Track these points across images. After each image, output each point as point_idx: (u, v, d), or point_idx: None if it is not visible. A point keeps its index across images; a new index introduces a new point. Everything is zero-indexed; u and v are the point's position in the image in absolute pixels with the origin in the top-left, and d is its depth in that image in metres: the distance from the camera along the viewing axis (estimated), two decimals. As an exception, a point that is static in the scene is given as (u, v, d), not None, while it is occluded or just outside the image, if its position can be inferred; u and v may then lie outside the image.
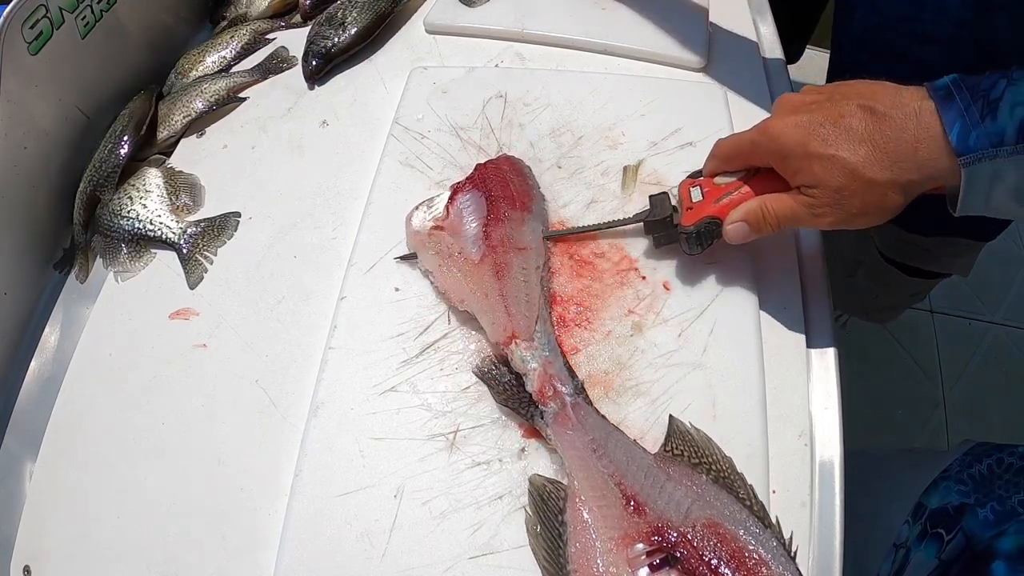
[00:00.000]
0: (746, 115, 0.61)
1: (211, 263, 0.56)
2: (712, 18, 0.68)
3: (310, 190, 0.59)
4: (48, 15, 0.57)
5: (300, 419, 0.47)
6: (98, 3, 0.62)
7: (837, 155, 0.39)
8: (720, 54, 0.66)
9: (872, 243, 0.88)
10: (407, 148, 0.59)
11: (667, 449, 0.41)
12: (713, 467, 0.40)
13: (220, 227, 0.58)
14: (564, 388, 0.42)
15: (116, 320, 0.54)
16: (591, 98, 0.61)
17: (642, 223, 0.50)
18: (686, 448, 0.40)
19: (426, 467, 0.43)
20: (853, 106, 0.39)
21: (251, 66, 0.70)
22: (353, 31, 0.67)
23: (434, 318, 0.49)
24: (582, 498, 0.39)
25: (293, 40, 0.72)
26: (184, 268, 0.56)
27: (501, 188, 0.51)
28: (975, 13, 0.59)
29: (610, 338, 0.47)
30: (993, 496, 0.50)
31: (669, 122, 0.58)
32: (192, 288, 0.55)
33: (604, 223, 0.52)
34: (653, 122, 0.59)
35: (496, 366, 0.45)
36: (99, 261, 0.59)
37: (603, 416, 0.42)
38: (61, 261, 0.61)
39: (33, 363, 0.56)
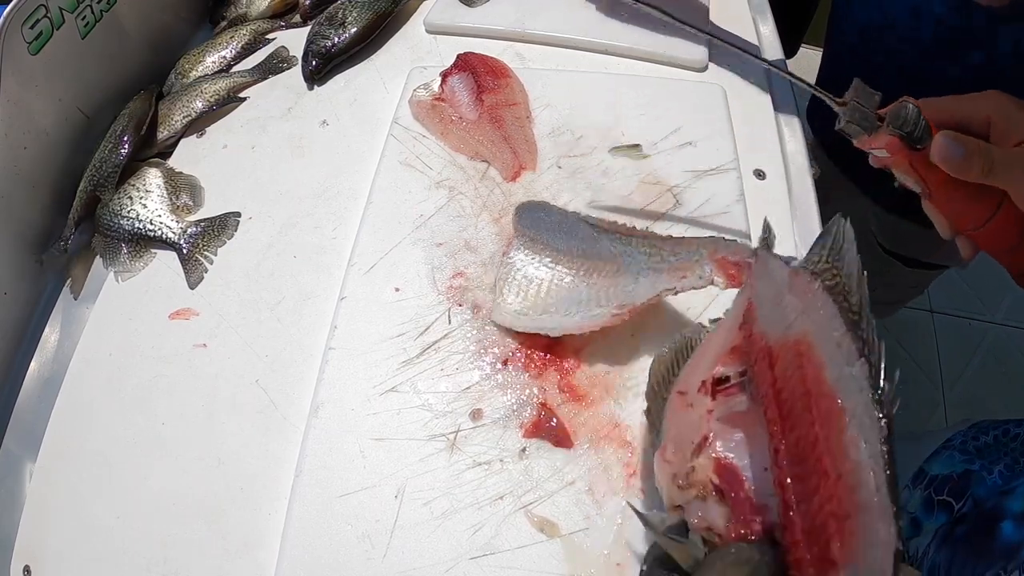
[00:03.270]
0: (746, 115, 0.61)
1: (211, 263, 0.56)
2: (712, 18, 0.68)
3: (310, 190, 0.59)
4: (48, 15, 0.57)
5: (300, 419, 0.47)
6: (98, 3, 0.62)
7: None
8: (720, 54, 0.66)
9: (872, 236, 0.89)
10: (407, 148, 0.59)
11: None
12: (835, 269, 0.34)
13: (220, 227, 0.58)
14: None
15: (116, 320, 0.54)
16: (591, 98, 0.61)
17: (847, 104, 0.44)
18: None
19: (427, 467, 0.43)
20: None
21: (251, 66, 0.70)
22: (353, 31, 0.67)
23: (434, 318, 0.49)
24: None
25: (293, 40, 0.72)
26: (184, 268, 0.56)
27: (482, 65, 0.62)
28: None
29: (610, 338, 0.47)
30: (1000, 462, 0.50)
31: (669, 122, 0.58)
32: (192, 288, 0.55)
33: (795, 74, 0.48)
34: (653, 122, 0.59)
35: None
36: (99, 261, 0.59)
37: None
38: (48, 253, 0.59)
39: (33, 363, 0.56)
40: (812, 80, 0.89)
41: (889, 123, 0.42)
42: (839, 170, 0.84)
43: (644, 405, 0.44)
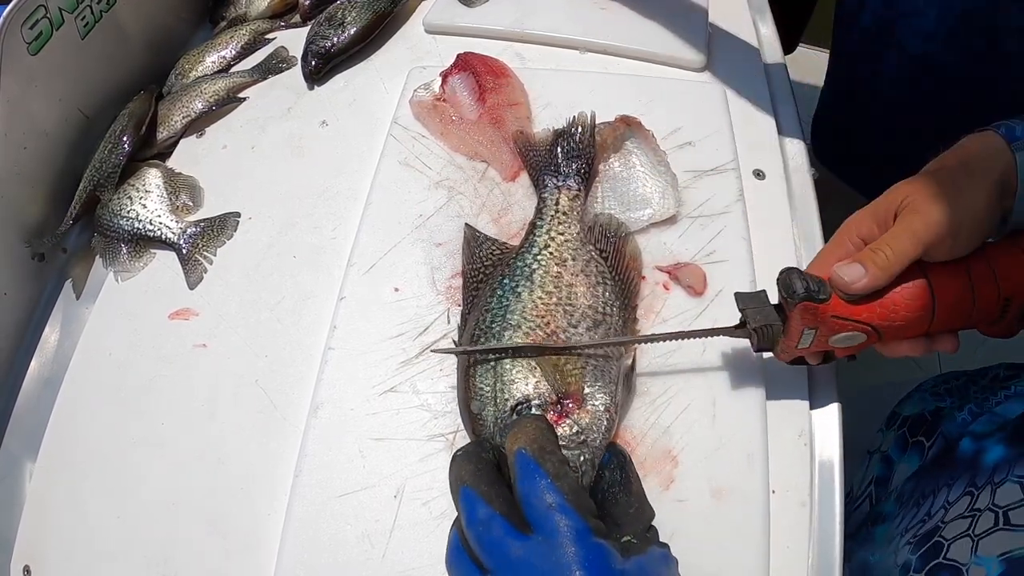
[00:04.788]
0: (746, 115, 0.61)
1: (211, 263, 0.56)
2: (712, 18, 0.68)
3: (310, 190, 0.59)
4: (48, 15, 0.57)
5: (300, 419, 0.47)
6: (98, 3, 0.62)
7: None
8: (720, 54, 0.66)
9: None
10: (406, 148, 0.59)
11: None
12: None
13: (220, 227, 0.58)
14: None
15: (116, 320, 0.54)
16: (591, 98, 0.61)
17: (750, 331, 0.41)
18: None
19: (426, 467, 0.43)
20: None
21: (251, 66, 0.70)
22: (352, 31, 0.67)
23: (434, 318, 0.49)
24: None
25: (293, 40, 0.72)
26: (184, 268, 0.56)
27: (483, 66, 0.62)
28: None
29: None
30: (970, 400, 0.52)
31: (669, 122, 0.58)
32: (192, 288, 0.55)
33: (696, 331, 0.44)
34: (653, 122, 0.58)
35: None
36: (99, 261, 0.59)
37: None
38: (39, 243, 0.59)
39: (33, 363, 0.56)
40: (819, 79, 0.89)
41: (786, 298, 0.39)
42: (836, 176, 0.84)
43: (644, 405, 0.44)
